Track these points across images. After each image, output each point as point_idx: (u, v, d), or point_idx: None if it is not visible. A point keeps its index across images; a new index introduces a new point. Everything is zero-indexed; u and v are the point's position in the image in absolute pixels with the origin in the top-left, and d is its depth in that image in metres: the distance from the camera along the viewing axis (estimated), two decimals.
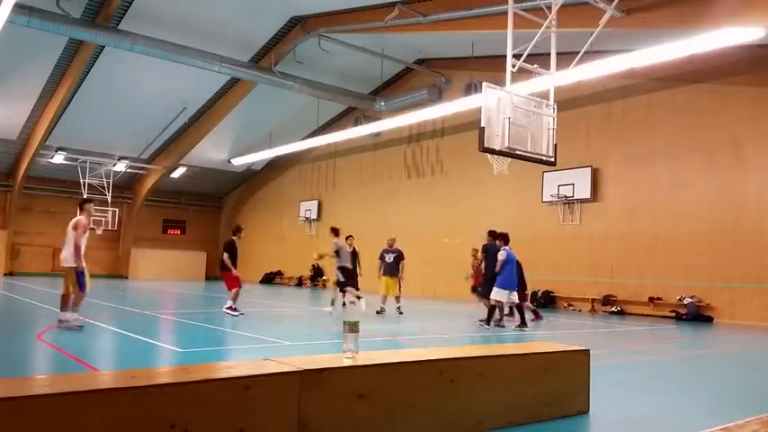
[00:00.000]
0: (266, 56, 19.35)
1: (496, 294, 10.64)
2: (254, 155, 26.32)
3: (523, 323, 10.95)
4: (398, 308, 13.44)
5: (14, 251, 27.49)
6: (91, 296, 8.47)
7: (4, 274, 26.42)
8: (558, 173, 16.84)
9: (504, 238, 10.99)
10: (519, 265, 11.31)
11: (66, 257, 8.46)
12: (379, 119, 21.01)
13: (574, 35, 11.16)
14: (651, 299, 15.58)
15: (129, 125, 23.90)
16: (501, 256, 10.73)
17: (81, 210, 8.80)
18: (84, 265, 8.42)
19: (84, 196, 9.58)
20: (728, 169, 14.55)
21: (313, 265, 26.33)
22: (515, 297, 10.81)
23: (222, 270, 11.80)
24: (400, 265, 13.67)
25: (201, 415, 2.80)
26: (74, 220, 8.55)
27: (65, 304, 8.50)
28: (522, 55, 9.16)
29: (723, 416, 4.24)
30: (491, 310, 10.97)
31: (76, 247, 8.33)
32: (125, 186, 29.58)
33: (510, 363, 4.20)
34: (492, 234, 11.30)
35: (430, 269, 20.73)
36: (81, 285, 8.39)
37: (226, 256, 11.57)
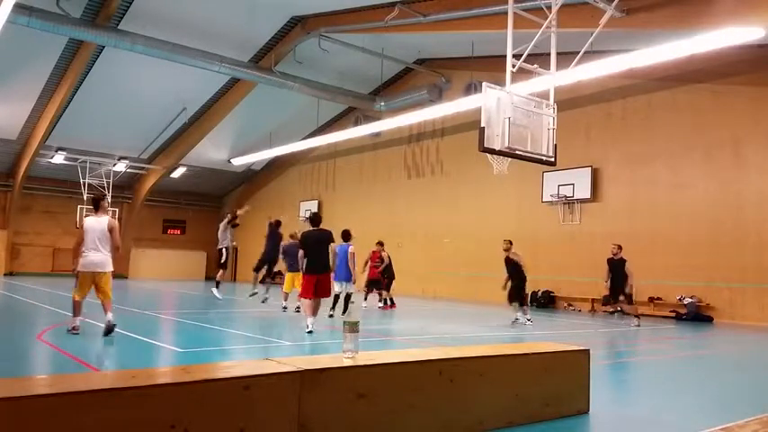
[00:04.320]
0: (266, 56, 19.35)
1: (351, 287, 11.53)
2: (254, 155, 26.32)
3: (333, 308, 11.72)
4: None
5: (14, 251, 27.48)
6: (91, 296, 8.47)
7: (4, 274, 26.42)
8: (558, 173, 16.84)
9: (344, 236, 11.63)
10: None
11: (109, 261, 8.01)
12: (379, 119, 21.01)
13: (574, 35, 11.16)
14: (651, 299, 15.58)
15: (129, 125, 23.89)
16: (350, 249, 11.50)
17: (100, 208, 8.15)
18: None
19: (96, 193, 8.80)
20: (728, 169, 14.55)
21: None
22: (340, 287, 11.56)
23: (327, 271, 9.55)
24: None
25: (201, 415, 2.80)
26: (108, 221, 8.02)
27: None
28: (522, 55, 9.16)
29: (723, 416, 4.24)
30: (335, 299, 11.75)
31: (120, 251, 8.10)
32: (125, 186, 29.57)
33: (510, 363, 4.20)
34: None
35: (430, 269, 20.75)
36: None
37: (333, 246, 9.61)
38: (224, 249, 14.44)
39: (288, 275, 12.76)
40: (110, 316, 7.88)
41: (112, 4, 15.77)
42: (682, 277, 15.04)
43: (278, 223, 14.12)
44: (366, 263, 15.09)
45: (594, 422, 4.34)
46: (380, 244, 15.05)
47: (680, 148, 15.42)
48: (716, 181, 14.74)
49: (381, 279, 14.85)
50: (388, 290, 14.94)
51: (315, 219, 9.89)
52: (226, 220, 14.75)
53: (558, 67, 9.69)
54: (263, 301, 13.47)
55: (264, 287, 13.79)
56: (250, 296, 13.95)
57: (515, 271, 11.89)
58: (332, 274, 9.86)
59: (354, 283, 11.59)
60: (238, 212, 15.06)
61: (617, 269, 12.54)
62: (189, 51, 17.14)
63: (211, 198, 33.46)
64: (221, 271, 14.69)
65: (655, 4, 11.47)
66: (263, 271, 13.97)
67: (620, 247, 12.77)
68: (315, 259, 9.17)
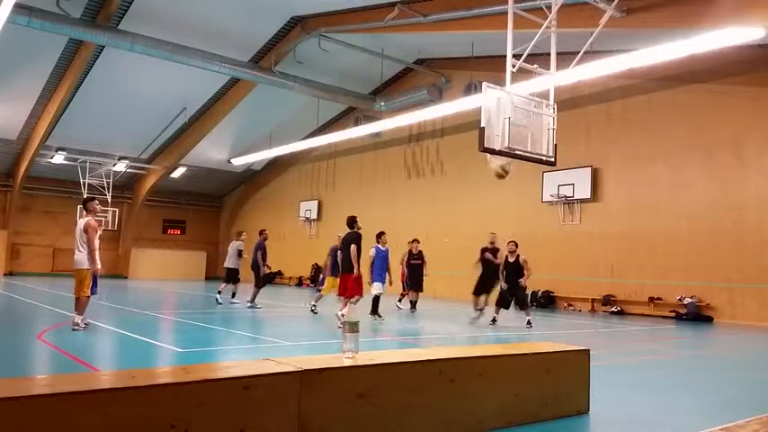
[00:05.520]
0: (266, 56, 19.34)
1: (375, 288, 11.78)
2: (254, 155, 26.31)
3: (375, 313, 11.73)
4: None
5: (14, 251, 27.48)
6: (93, 296, 8.51)
7: (4, 274, 26.42)
8: (558, 173, 16.84)
9: (377, 237, 12.19)
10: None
11: (81, 260, 8.35)
12: (379, 119, 21.00)
13: (574, 35, 11.16)
14: (651, 299, 15.58)
15: (129, 125, 23.89)
16: (371, 252, 11.78)
17: (87, 210, 8.74)
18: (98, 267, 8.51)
19: (86, 195, 9.68)
20: (728, 169, 14.54)
21: (314, 265, 26.30)
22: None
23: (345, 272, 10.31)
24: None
25: (201, 415, 2.80)
26: (84, 222, 8.46)
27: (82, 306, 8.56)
28: (522, 55, 9.14)
29: (723, 416, 4.24)
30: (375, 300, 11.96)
31: (93, 250, 8.36)
32: (125, 186, 29.58)
33: (510, 363, 4.20)
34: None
35: (430, 269, 20.70)
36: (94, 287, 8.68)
37: (354, 248, 10.04)
38: (238, 269, 14.45)
39: (329, 279, 12.78)
40: (76, 318, 8.37)
41: (112, 4, 15.76)
42: (682, 277, 15.04)
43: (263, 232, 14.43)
44: (401, 262, 14.78)
45: (594, 422, 4.34)
46: (416, 241, 14.73)
47: (680, 148, 15.42)
48: (716, 181, 14.73)
49: (412, 278, 14.40)
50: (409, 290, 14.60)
51: (347, 221, 10.43)
52: (238, 248, 14.57)
53: (558, 67, 9.67)
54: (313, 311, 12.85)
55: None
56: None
57: (516, 273, 11.43)
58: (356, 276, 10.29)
59: (369, 284, 11.53)
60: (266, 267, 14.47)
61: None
62: (189, 51, 17.14)
63: (211, 198, 33.48)
64: (236, 285, 14.46)
65: (654, 4, 11.46)
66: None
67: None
68: (342, 259, 10.22)
